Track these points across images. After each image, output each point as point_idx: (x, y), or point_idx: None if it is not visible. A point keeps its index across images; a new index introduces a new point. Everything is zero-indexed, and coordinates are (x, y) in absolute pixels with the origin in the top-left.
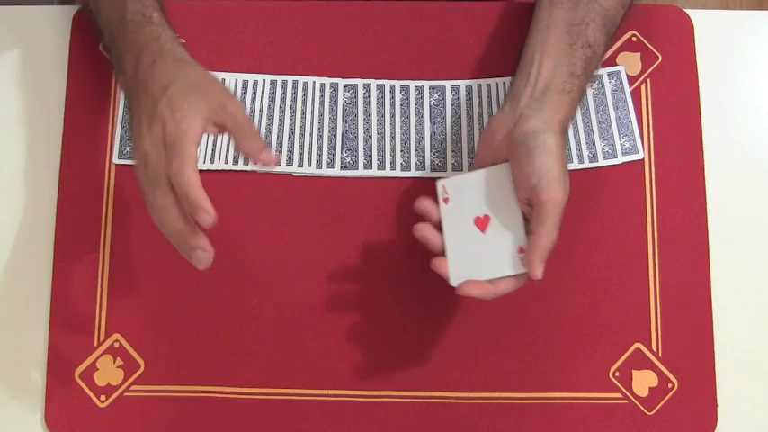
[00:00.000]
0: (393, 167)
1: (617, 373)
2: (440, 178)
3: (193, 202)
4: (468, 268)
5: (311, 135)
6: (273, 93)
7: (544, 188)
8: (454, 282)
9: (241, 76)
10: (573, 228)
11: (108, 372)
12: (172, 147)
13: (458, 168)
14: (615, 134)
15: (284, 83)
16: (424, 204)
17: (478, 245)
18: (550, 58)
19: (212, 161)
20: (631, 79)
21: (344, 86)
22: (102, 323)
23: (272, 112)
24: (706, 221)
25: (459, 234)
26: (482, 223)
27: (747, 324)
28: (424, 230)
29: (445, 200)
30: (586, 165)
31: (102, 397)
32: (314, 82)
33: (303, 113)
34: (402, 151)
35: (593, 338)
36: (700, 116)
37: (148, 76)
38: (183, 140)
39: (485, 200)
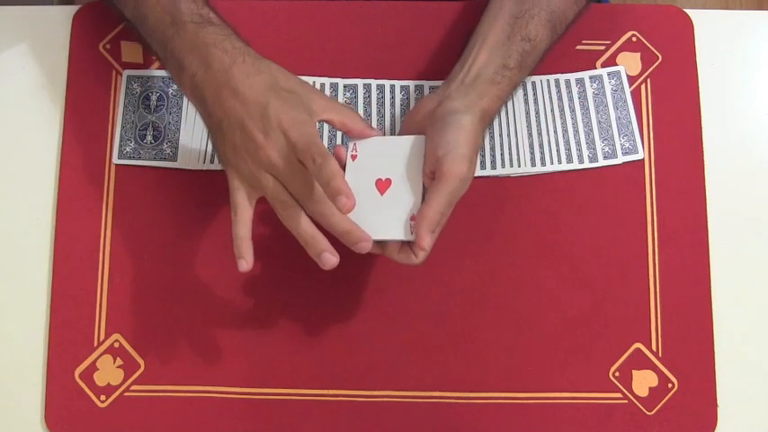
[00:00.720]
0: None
1: (617, 373)
2: None
3: (337, 189)
4: (360, 226)
5: None
6: None
7: (448, 161)
8: None
9: None
10: (573, 228)
11: (108, 372)
12: (308, 147)
13: None
14: (615, 134)
15: None
16: (337, 149)
17: (374, 205)
18: (487, 47)
19: (212, 161)
20: (631, 79)
21: (344, 86)
22: (102, 323)
23: None
24: (706, 221)
25: (357, 191)
26: (383, 186)
27: (747, 324)
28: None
29: (353, 156)
30: (586, 165)
31: (102, 397)
32: (314, 82)
33: None
34: None
35: (593, 338)
36: (700, 116)
37: (229, 77)
38: (315, 140)
39: (390, 164)
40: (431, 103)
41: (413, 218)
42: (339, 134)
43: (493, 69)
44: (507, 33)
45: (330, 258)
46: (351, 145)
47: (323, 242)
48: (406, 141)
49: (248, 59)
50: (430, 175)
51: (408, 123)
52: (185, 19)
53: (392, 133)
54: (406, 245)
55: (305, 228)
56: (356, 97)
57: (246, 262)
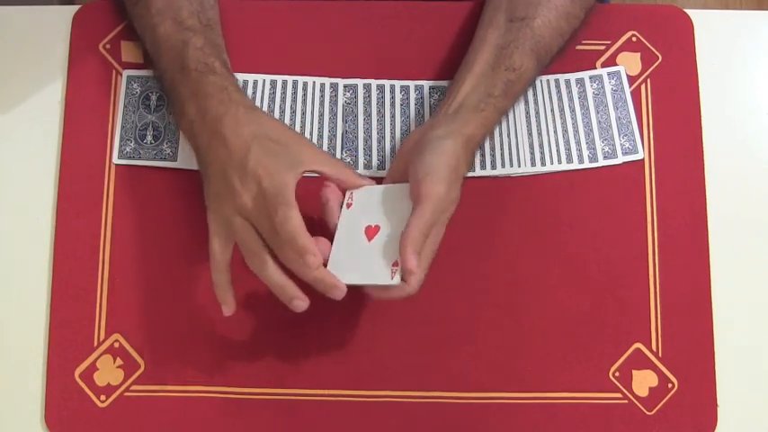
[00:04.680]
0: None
1: (617, 373)
2: None
3: (301, 248)
4: (345, 270)
5: (311, 135)
6: (273, 93)
7: (426, 183)
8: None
9: (241, 76)
10: (573, 228)
11: (108, 372)
12: (274, 198)
13: None
14: (615, 134)
15: (284, 83)
16: (325, 192)
17: (360, 251)
18: (472, 77)
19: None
20: (631, 79)
21: (344, 86)
22: (102, 323)
23: (272, 112)
24: (706, 221)
25: (346, 237)
26: (371, 232)
27: (747, 324)
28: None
29: (348, 205)
30: (586, 165)
31: (102, 397)
32: (314, 82)
33: (303, 113)
34: None
35: (593, 338)
36: (700, 116)
37: (220, 126)
38: (284, 191)
39: (381, 212)
40: (417, 134)
41: (396, 263)
42: (339, 144)
43: (477, 98)
44: (492, 64)
45: (300, 304)
46: (348, 194)
47: (292, 289)
48: (398, 189)
49: (241, 110)
50: (413, 200)
51: (399, 156)
52: (191, 66)
53: (391, 135)
54: None
55: (272, 275)
56: (356, 97)
57: (228, 307)
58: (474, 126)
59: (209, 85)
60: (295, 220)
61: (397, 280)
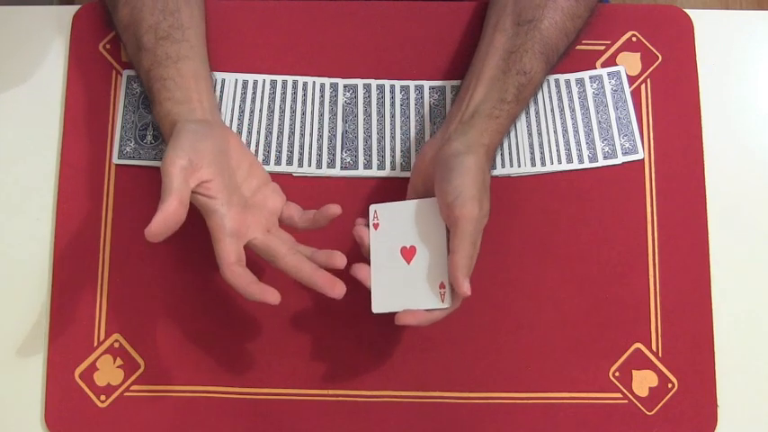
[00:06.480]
0: (393, 167)
1: (617, 373)
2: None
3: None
4: (391, 298)
5: (311, 135)
6: (273, 93)
7: (458, 205)
8: (375, 309)
9: (241, 76)
10: (573, 228)
11: (108, 372)
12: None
13: None
14: (615, 134)
15: (284, 83)
16: (359, 231)
17: (402, 275)
18: (484, 84)
19: None
20: (631, 79)
21: (344, 86)
22: (102, 323)
23: (272, 112)
24: (706, 221)
25: (384, 262)
26: (408, 254)
27: (747, 324)
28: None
29: (375, 225)
30: (586, 165)
31: (102, 397)
32: (314, 82)
33: (303, 113)
34: (402, 151)
35: (593, 338)
36: (700, 116)
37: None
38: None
39: (413, 230)
40: (433, 148)
41: (442, 285)
42: (339, 144)
43: (491, 104)
44: (502, 68)
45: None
46: (372, 213)
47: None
48: (423, 204)
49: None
50: (447, 222)
51: (416, 173)
52: (146, 92)
53: (391, 135)
54: None
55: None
56: (356, 97)
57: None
58: (490, 135)
59: (154, 114)
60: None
61: (447, 303)
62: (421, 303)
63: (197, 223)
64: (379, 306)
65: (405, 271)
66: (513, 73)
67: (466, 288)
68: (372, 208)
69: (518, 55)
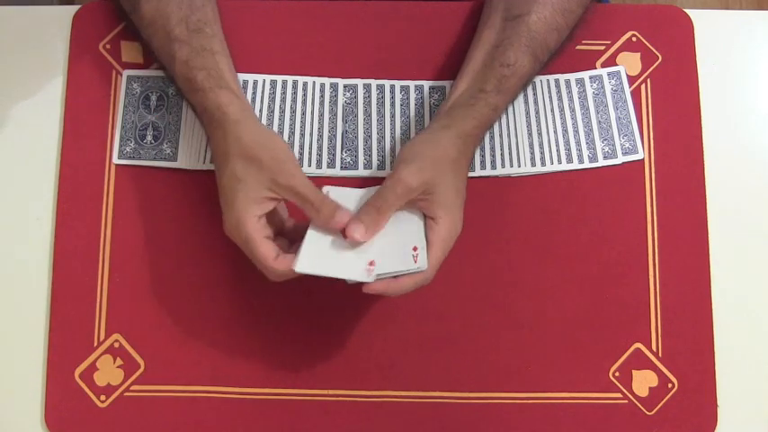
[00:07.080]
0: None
1: (617, 373)
2: None
3: (275, 271)
4: (318, 260)
5: (311, 135)
6: (273, 93)
7: (401, 168)
8: (298, 268)
9: (241, 76)
10: (573, 228)
11: (108, 372)
12: (236, 229)
13: None
14: (615, 134)
15: (284, 83)
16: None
17: (335, 245)
18: (466, 78)
19: (212, 161)
20: (631, 79)
21: (344, 86)
22: (102, 323)
23: (272, 112)
24: (706, 221)
25: (322, 231)
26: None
27: (747, 324)
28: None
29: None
30: (586, 165)
31: (102, 397)
32: (314, 82)
33: (303, 113)
34: None
35: (593, 338)
36: (700, 116)
37: (210, 144)
38: (242, 227)
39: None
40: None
41: (371, 263)
42: (339, 144)
43: (469, 94)
44: (485, 62)
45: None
46: (325, 190)
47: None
48: (374, 191)
49: (220, 133)
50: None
51: (395, 164)
52: (178, 84)
53: (391, 135)
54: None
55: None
56: (356, 97)
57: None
58: (466, 120)
59: (195, 104)
60: (260, 249)
61: (372, 278)
62: (347, 273)
63: (197, 223)
64: (303, 266)
65: (339, 243)
66: (496, 65)
67: (354, 232)
68: (326, 188)
69: (502, 48)
